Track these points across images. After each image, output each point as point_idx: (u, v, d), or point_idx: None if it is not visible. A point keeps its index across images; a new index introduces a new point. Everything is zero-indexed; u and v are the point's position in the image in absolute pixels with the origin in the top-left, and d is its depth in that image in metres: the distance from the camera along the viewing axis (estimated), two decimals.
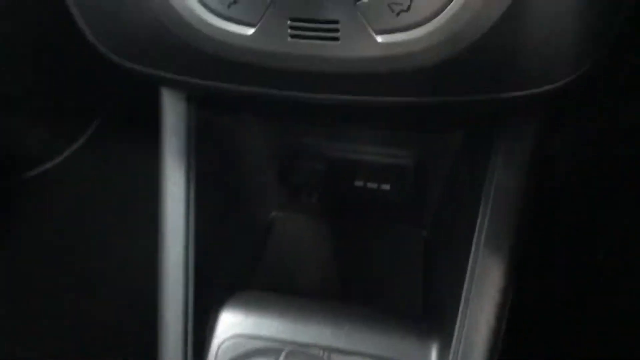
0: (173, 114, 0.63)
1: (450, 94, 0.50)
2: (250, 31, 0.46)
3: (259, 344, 0.60)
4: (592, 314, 0.98)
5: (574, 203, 0.92)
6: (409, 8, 0.43)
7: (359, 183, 0.78)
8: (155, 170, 0.65)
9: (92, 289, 0.94)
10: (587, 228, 0.96)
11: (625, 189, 0.89)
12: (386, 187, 0.78)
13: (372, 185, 0.78)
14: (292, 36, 0.46)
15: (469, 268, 0.57)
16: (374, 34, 0.44)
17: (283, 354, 0.57)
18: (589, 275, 0.99)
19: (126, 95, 0.89)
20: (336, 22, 0.44)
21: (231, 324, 0.63)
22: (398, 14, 0.43)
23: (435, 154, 0.75)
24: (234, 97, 0.58)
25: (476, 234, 0.57)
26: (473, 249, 0.57)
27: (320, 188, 0.80)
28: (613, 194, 0.91)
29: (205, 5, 0.46)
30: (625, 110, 0.74)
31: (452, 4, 0.42)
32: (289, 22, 0.45)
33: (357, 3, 0.43)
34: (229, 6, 0.45)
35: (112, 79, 0.78)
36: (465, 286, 0.57)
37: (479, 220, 0.57)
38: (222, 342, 0.62)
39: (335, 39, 0.45)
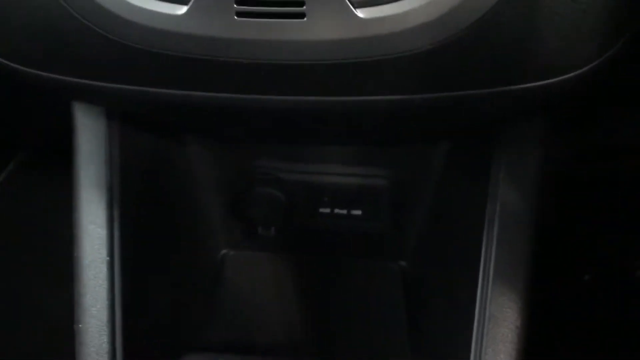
0: (89, 136, 0.49)
1: (447, 88, 0.39)
2: (181, 10, 0.34)
3: None
4: (577, 334, 0.91)
5: (560, 222, 0.84)
6: None
7: (324, 210, 0.66)
8: None
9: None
10: (573, 248, 0.89)
11: (612, 207, 0.83)
12: (357, 212, 0.66)
13: (340, 211, 0.66)
14: (239, 14, 0.34)
15: (478, 308, 0.46)
16: (352, 7, 0.33)
17: None
18: (574, 295, 0.92)
19: (49, 125, 0.75)
20: None
21: None
22: None
23: (414, 171, 0.64)
24: (165, 107, 0.45)
25: (482, 267, 0.46)
26: (480, 285, 0.46)
27: (279, 219, 0.67)
28: (601, 213, 0.85)
29: None
30: (620, 126, 0.67)
31: None
32: None
33: None
34: None
35: (28, 107, 0.66)
36: (475, 329, 0.45)
37: (483, 251, 0.46)
38: None
39: (300, 15, 0.33)
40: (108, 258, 0.47)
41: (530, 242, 0.47)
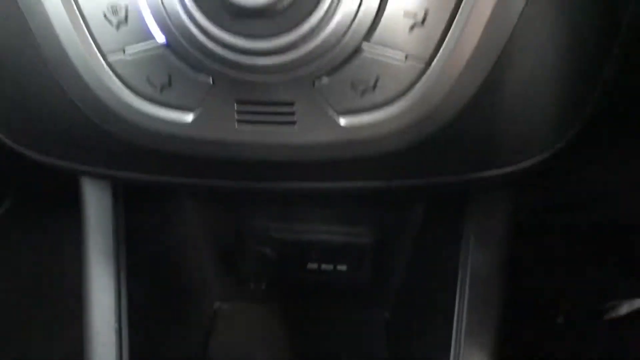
0: (97, 209, 0.54)
1: (420, 176, 0.44)
2: (189, 117, 0.39)
3: None
4: None
5: (533, 267, 0.89)
6: (374, 87, 0.37)
7: (312, 266, 0.71)
8: (72, 261, 0.55)
9: None
10: (547, 292, 0.94)
11: (584, 253, 0.89)
12: (343, 268, 0.71)
13: (327, 267, 0.71)
14: (240, 121, 0.39)
15: None
16: (335, 117, 0.39)
17: None
18: (549, 338, 0.96)
19: (40, 174, 0.78)
20: (291, 104, 0.38)
21: None
22: (362, 93, 0.38)
23: (394, 229, 0.69)
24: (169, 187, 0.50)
25: (455, 326, 0.51)
26: (453, 343, 0.51)
27: (269, 274, 0.72)
28: (572, 259, 0.90)
29: (132, 89, 0.39)
30: (589, 177, 0.73)
31: (423, 79, 0.37)
32: (235, 105, 0.38)
33: (316, 83, 0.37)
34: (161, 90, 0.38)
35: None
36: None
37: (456, 308, 0.51)
38: None
39: (291, 123, 0.39)
40: (116, 325, 0.51)
41: (499, 299, 0.52)
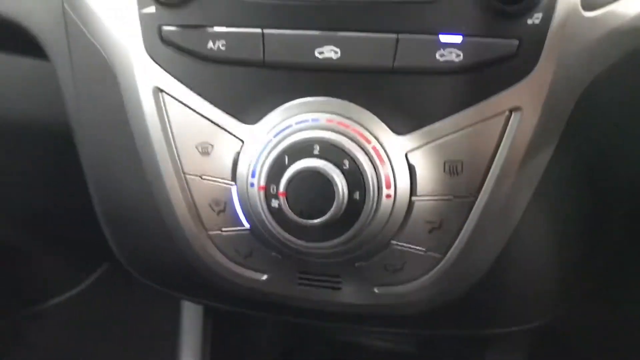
0: (191, 319, 0.68)
1: (436, 330, 0.56)
2: (263, 277, 0.53)
3: None
4: None
5: None
6: (402, 269, 0.49)
7: None
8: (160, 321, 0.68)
9: None
10: None
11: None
12: None
13: None
14: (300, 284, 0.52)
15: None
16: (371, 287, 0.51)
17: None
18: None
19: None
20: (338, 276, 0.51)
21: None
22: (392, 272, 0.50)
23: (433, 342, 0.79)
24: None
25: None
26: None
27: None
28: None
29: (224, 254, 0.53)
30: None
31: (439, 265, 0.49)
32: (297, 274, 0.52)
33: (356, 264, 0.50)
34: (245, 257, 0.52)
35: None
36: None
37: None
38: None
39: (338, 288, 0.52)
40: None
41: None
